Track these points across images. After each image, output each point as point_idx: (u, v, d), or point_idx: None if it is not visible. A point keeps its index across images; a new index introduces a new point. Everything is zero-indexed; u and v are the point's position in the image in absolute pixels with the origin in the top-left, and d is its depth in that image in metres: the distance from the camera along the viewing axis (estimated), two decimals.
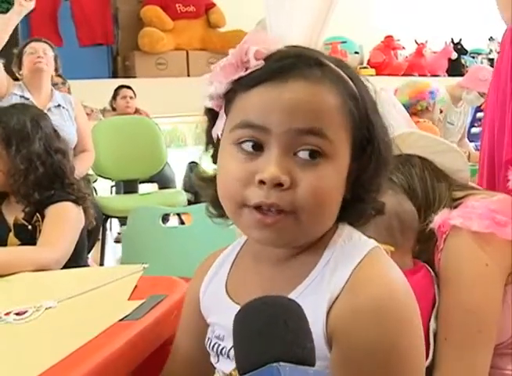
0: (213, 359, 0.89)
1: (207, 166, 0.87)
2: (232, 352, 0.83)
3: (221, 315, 0.86)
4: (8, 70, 3.38)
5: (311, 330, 0.60)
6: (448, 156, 1.25)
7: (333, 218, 0.79)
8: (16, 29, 6.28)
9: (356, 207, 0.81)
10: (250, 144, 0.76)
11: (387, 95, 1.39)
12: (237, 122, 0.77)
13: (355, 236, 0.82)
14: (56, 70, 3.45)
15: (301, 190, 0.74)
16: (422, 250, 1.18)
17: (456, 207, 1.16)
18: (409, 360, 0.75)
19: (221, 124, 0.81)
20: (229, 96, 0.79)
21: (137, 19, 6.64)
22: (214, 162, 0.85)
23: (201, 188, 0.87)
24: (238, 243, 0.93)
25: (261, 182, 0.73)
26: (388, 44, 7.78)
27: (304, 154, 0.74)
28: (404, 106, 2.31)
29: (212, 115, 0.83)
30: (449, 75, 7.73)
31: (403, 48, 7.90)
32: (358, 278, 0.76)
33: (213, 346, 0.87)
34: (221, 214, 0.84)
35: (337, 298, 0.75)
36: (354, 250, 0.79)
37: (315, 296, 0.76)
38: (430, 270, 1.14)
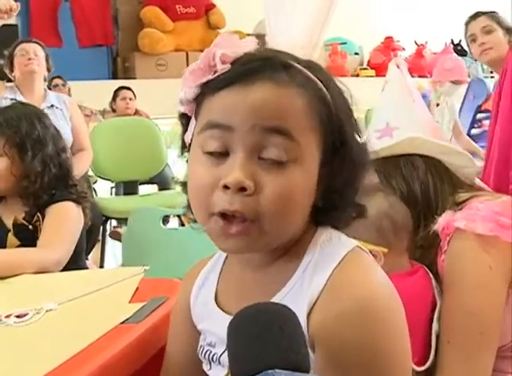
0: (205, 367, 0.88)
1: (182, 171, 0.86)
2: (223, 358, 0.83)
3: (211, 323, 0.86)
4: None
5: (304, 336, 0.60)
6: (454, 157, 1.24)
7: (299, 224, 0.78)
8: (15, 30, 6.31)
9: (331, 215, 0.80)
10: (216, 144, 0.75)
11: (404, 79, 1.36)
12: (203, 124, 0.77)
13: (334, 238, 0.81)
14: (48, 69, 3.45)
15: (265, 196, 0.72)
16: (424, 253, 1.18)
17: (460, 209, 1.15)
18: (394, 362, 0.74)
19: (192, 128, 0.81)
20: (199, 100, 0.79)
21: (137, 20, 6.64)
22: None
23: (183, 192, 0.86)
24: (221, 253, 0.92)
25: (226, 186, 0.72)
26: (388, 45, 7.78)
27: (269, 155, 0.73)
28: None
29: (186, 120, 0.83)
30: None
31: (403, 49, 7.90)
32: (337, 280, 0.75)
33: (205, 353, 0.87)
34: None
35: (316, 301, 0.75)
36: (333, 251, 0.78)
37: (296, 301, 0.75)
38: (429, 272, 1.14)
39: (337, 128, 0.78)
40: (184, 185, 0.83)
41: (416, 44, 7.98)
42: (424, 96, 3.93)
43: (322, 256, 0.78)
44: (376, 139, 1.22)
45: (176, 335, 0.96)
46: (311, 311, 0.74)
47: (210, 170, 0.75)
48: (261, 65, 0.75)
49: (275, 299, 0.77)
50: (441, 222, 1.13)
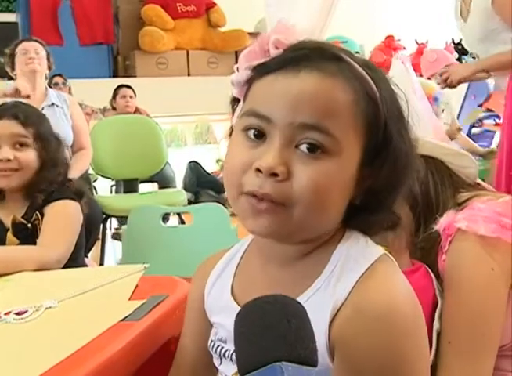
0: (216, 362, 0.88)
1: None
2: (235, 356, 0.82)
3: (225, 317, 0.85)
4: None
5: (313, 330, 0.59)
6: (455, 158, 1.23)
7: (333, 219, 0.77)
8: (16, 28, 6.32)
9: (365, 218, 0.79)
10: (253, 132, 0.75)
11: (410, 78, 1.36)
12: (246, 109, 0.77)
13: (362, 242, 0.80)
14: (49, 67, 3.44)
15: (297, 183, 0.72)
16: (425, 253, 1.17)
17: (461, 209, 1.15)
18: (415, 369, 0.73)
19: (238, 111, 0.82)
20: (249, 84, 0.79)
21: (137, 19, 6.65)
22: None
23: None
24: (242, 244, 0.92)
25: (258, 170, 0.73)
26: (389, 44, 7.77)
27: (304, 147, 0.73)
28: None
29: (236, 104, 0.83)
30: None
31: (404, 48, 7.89)
32: (363, 287, 0.74)
33: (216, 348, 0.87)
34: None
35: (340, 308, 0.74)
36: (360, 258, 0.77)
37: (319, 306, 0.75)
38: (429, 270, 1.14)
39: (382, 129, 0.76)
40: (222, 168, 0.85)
41: (417, 43, 7.97)
42: (436, 99, 3.89)
43: (349, 262, 0.77)
44: None
45: (189, 329, 0.96)
46: (334, 318, 0.74)
47: (247, 151, 0.75)
48: (310, 53, 0.75)
49: (305, 295, 0.77)
50: (443, 221, 1.13)
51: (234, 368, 0.80)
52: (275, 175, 0.72)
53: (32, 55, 3.30)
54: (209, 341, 0.89)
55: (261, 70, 0.77)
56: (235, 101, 0.84)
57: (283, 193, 0.72)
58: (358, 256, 0.77)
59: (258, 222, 0.74)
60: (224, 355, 0.85)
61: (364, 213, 0.79)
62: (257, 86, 0.77)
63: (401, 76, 1.34)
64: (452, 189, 1.20)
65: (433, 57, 4.25)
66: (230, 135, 0.84)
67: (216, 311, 0.89)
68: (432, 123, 1.33)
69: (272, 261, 0.82)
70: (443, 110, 3.96)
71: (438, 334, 1.10)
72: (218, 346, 0.86)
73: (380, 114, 0.76)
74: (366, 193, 0.78)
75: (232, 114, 0.84)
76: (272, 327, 0.57)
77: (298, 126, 0.73)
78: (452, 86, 2.89)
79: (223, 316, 0.86)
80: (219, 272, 0.91)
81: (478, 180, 1.29)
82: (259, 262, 0.85)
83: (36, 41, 3.43)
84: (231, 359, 0.83)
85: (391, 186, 0.79)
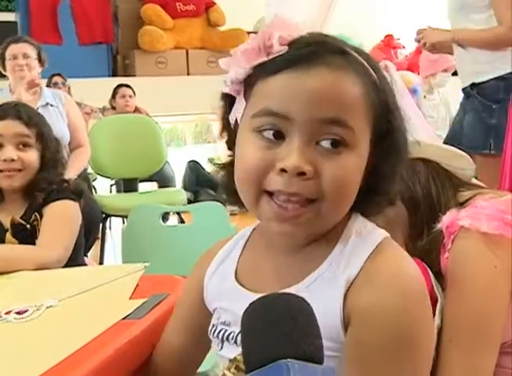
0: (216, 347, 0.88)
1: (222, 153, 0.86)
2: (240, 338, 0.82)
3: (230, 301, 0.86)
4: None
5: (319, 327, 0.60)
6: (453, 160, 1.24)
7: (349, 207, 0.79)
8: (15, 28, 6.31)
9: (371, 198, 0.82)
10: (271, 132, 0.75)
11: (400, 88, 1.37)
12: (259, 109, 0.76)
13: (368, 226, 0.82)
14: (42, 65, 3.37)
15: (325, 180, 0.74)
16: (427, 253, 1.17)
17: (464, 207, 1.15)
18: (424, 344, 0.76)
19: (239, 109, 0.80)
20: (249, 82, 0.78)
21: (137, 18, 6.65)
22: (229, 148, 0.85)
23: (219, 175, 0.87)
24: (244, 233, 0.93)
25: (283, 170, 0.73)
26: (388, 43, 7.77)
27: (326, 143, 0.74)
28: None
29: (229, 100, 0.82)
30: (452, 74, 7.73)
31: (403, 47, 7.89)
32: (374, 261, 0.76)
33: (218, 333, 0.87)
34: (236, 200, 0.83)
35: (354, 280, 0.76)
36: (369, 237, 0.80)
37: (329, 284, 0.77)
38: (427, 267, 1.14)
39: (386, 114, 0.79)
40: (223, 167, 0.85)
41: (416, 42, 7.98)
42: (415, 91, 3.90)
43: (359, 241, 0.79)
44: None
45: (178, 318, 0.98)
46: (347, 293, 0.75)
47: (264, 152, 0.75)
48: (318, 49, 0.76)
49: (307, 280, 0.79)
50: (446, 220, 1.13)
51: (237, 350, 0.81)
52: (302, 174, 0.73)
53: (20, 61, 3.23)
54: (210, 326, 0.89)
55: (267, 69, 0.76)
56: (227, 97, 0.83)
57: (312, 190, 0.74)
58: (367, 236, 0.80)
59: (284, 227, 0.76)
60: (227, 338, 0.85)
61: (367, 194, 0.81)
62: (267, 85, 0.76)
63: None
64: (453, 190, 1.21)
65: (434, 57, 4.25)
66: (222, 132, 0.85)
67: (218, 296, 0.89)
68: (423, 126, 1.35)
69: (278, 248, 0.84)
70: (425, 96, 3.96)
71: (439, 331, 1.10)
72: (221, 330, 0.87)
73: (383, 100, 0.79)
74: (372, 175, 0.80)
75: (226, 111, 0.83)
76: (278, 325, 0.57)
77: (318, 121, 0.73)
78: (426, 48, 2.90)
79: (227, 301, 0.87)
80: (221, 259, 0.92)
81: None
82: (264, 248, 0.86)
83: (25, 41, 3.34)
84: (235, 342, 0.84)
85: (394, 166, 0.82)
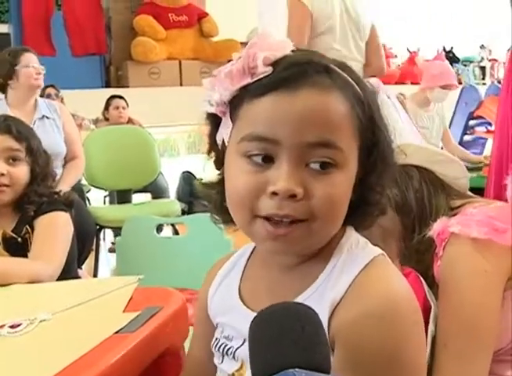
0: (217, 360, 0.89)
1: (208, 172, 0.87)
2: (238, 352, 0.84)
3: (232, 317, 0.87)
4: None
5: (327, 337, 0.60)
6: (447, 165, 1.25)
7: (340, 224, 0.80)
8: (8, 39, 6.31)
9: (363, 210, 0.82)
10: (260, 157, 0.75)
11: (392, 101, 1.40)
12: (246, 133, 0.76)
13: (361, 242, 0.82)
14: None
15: (316, 200, 0.74)
16: (420, 259, 1.18)
17: (454, 215, 1.17)
18: (412, 367, 0.75)
19: (226, 130, 0.80)
20: (235, 103, 0.78)
21: (130, 29, 6.66)
22: (217, 168, 0.85)
23: (203, 194, 0.88)
24: (246, 249, 0.93)
25: (274, 193, 0.73)
26: None
27: (315, 166, 0.74)
28: None
29: (215, 120, 0.82)
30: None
31: (395, 56, 7.94)
32: (361, 282, 0.76)
33: (219, 346, 0.88)
34: (226, 220, 0.84)
35: (339, 302, 0.75)
36: (359, 255, 0.79)
37: (320, 301, 0.76)
38: (419, 275, 1.15)
39: (371, 127, 0.79)
40: (208, 186, 0.86)
41: (409, 51, 8.02)
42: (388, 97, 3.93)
43: (349, 259, 0.79)
44: None
45: (196, 333, 0.99)
46: (334, 312, 0.75)
47: (255, 176, 0.75)
48: (304, 69, 0.75)
49: (300, 298, 0.79)
50: (436, 227, 1.14)
51: (236, 365, 0.83)
52: (293, 196, 0.73)
53: (39, 70, 3.20)
54: (213, 340, 0.90)
55: (253, 91, 0.75)
56: (211, 117, 0.82)
57: (302, 211, 0.74)
58: (358, 254, 0.80)
59: (277, 245, 0.77)
60: (227, 352, 0.86)
61: (358, 206, 0.81)
62: (254, 108, 0.75)
63: (384, 100, 1.37)
64: (445, 196, 1.22)
65: (437, 71, 4.27)
66: (209, 151, 0.85)
67: (222, 311, 0.90)
68: (415, 137, 1.36)
69: (274, 267, 0.84)
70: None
71: (433, 338, 1.11)
72: (222, 344, 0.87)
73: (368, 114, 0.78)
74: (361, 188, 0.80)
75: (212, 130, 0.83)
76: (286, 333, 0.58)
77: (307, 145, 0.73)
78: None
79: (230, 316, 0.88)
80: (225, 273, 0.93)
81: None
82: (261, 267, 0.87)
83: (33, 53, 3.30)
84: (233, 357, 0.85)
85: (381, 177, 0.82)
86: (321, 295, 0.77)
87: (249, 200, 0.75)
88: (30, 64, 3.20)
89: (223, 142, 0.81)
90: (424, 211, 1.19)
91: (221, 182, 0.82)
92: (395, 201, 1.19)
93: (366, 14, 3.46)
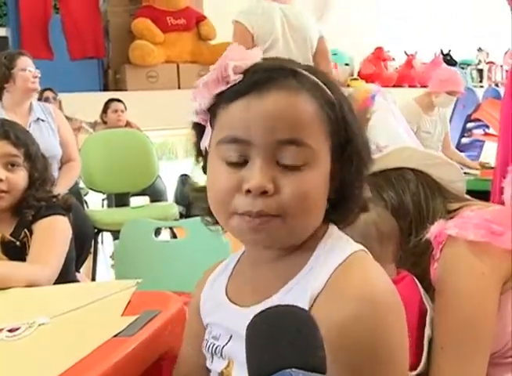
0: (208, 362, 0.91)
1: (199, 177, 0.92)
2: (225, 350, 0.86)
3: (219, 314, 0.90)
4: None
5: (322, 339, 0.61)
6: (443, 169, 1.26)
7: (319, 219, 0.83)
8: (6, 42, 6.31)
9: (343, 207, 0.85)
10: (235, 157, 0.80)
11: (391, 106, 1.40)
12: (222, 137, 0.81)
13: (343, 237, 0.85)
14: None
15: (285, 195, 0.78)
16: (417, 262, 1.19)
17: (451, 218, 1.17)
18: (393, 360, 0.76)
19: (208, 137, 0.85)
20: (213, 110, 0.83)
21: (128, 32, 6.65)
22: (205, 173, 0.89)
23: (195, 198, 0.92)
24: (235, 255, 0.97)
25: (248, 191, 0.77)
26: (378, 55, 7.83)
27: (285, 162, 0.78)
28: None
29: (199, 129, 0.88)
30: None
31: (393, 59, 7.95)
32: (339, 276, 0.78)
33: (209, 347, 0.90)
34: (216, 221, 0.88)
35: (317, 296, 0.78)
36: (339, 249, 0.82)
37: (303, 293, 0.79)
38: (415, 278, 1.15)
39: (343, 127, 0.83)
40: (199, 190, 0.89)
41: (406, 54, 8.04)
42: (373, 97, 3.93)
43: (330, 252, 0.82)
44: None
45: (187, 336, 1.01)
46: (313, 306, 0.78)
47: (231, 176, 0.80)
48: (271, 74, 0.80)
49: (283, 290, 0.81)
50: (434, 230, 1.15)
51: (223, 363, 0.86)
52: (264, 192, 0.77)
53: (36, 74, 3.21)
54: (204, 342, 0.93)
55: (227, 97, 0.81)
56: (197, 126, 0.88)
57: (274, 206, 0.78)
58: (338, 247, 0.83)
59: (256, 236, 0.80)
60: (215, 351, 0.88)
61: (338, 204, 0.85)
62: (227, 112, 0.81)
63: (381, 105, 1.38)
64: (442, 199, 1.23)
65: (444, 77, 4.27)
66: (198, 160, 0.90)
67: (211, 311, 0.93)
68: (413, 142, 1.37)
69: (260, 262, 0.87)
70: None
71: (430, 341, 1.11)
72: (211, 344, 0.90)
73: (339, 114, 0.82)
74: (339, 186, 0.84)
75: (198, 139, 0.89)
76: (282, 335, 0.59)
77: (277, 143, 0.78)
78: None
79: (217, 314, 0.91)
80: (216, 277, 0.96)
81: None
82: (249, 266, 0.90)
83: (26, 54, 3.31)
84: (221, 355, 0.87)
85: (358, 173, 0.85)
86: (303, 288, 0.80)
87: (226, 199, 0.80)
88: (27, 68, 3.21)
89: (206, 149, 0.86)
90: (421, 214, 1.20)
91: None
92: (392, 204, 1.20)
93: (313, 26, 3.56)
